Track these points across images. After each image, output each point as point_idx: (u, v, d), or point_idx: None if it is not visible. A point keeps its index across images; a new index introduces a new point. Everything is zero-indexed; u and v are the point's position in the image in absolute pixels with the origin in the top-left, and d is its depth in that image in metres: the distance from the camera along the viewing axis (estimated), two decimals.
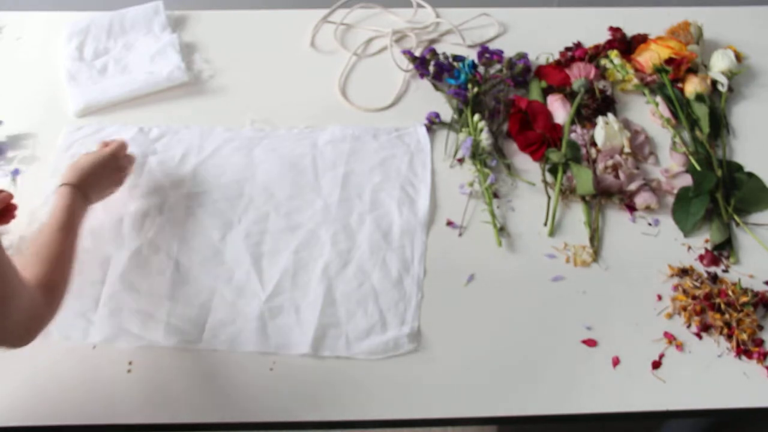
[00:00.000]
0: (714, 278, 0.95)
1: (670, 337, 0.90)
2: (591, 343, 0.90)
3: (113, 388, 0.86)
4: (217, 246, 0.98)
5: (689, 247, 1.00)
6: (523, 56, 1.21)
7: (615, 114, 1.14)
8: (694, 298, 0.93)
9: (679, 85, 1.18)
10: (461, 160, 1.10)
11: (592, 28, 1.29)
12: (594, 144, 1.10)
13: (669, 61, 1.18)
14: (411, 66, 1.22)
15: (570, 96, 1.16)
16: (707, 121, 1.12)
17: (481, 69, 1.19)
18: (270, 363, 0.88)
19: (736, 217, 1.02)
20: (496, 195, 1.05)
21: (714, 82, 1.19)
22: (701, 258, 0.98)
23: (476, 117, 1.10)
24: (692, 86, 1.16)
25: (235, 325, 0.91)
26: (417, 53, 1.24)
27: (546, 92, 1.18)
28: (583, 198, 1.04)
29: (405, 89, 1.21)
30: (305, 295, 0.93)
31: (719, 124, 1.14)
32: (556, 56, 1.24)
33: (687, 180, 1.04)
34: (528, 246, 1.00)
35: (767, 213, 1.04)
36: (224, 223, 1.00)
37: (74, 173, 0.92)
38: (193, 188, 1.05)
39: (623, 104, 1.18)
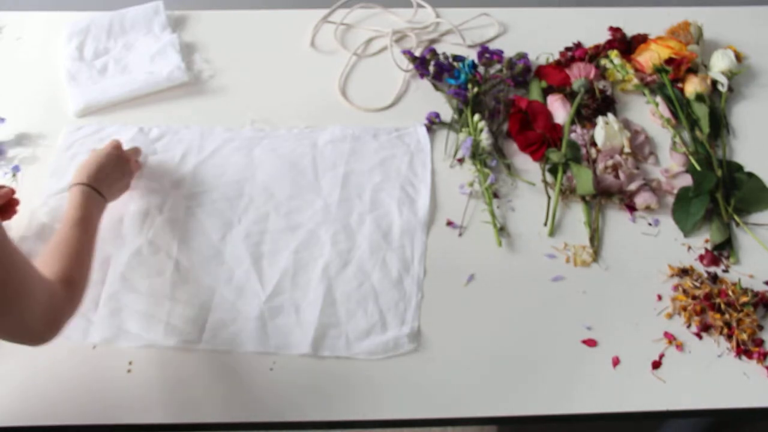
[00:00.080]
0: (714, 278, 0.95)
1: (670, 337, 0.90)
2: (591, 343, 0.90)
3: (113, 388, 0.86)
4: (217, 246, 0.98)
5: (689, 247, 1.00)
6: (523, 56, 1.21)
7: (615, 114, 1.14)
8: (694, 298, 0.93)
9: (679, 85, 1.18)
10: (461, 160, 1.10)
11: (592, 28, 1.29)
12: (594, 144, 1.10)
13: (669, 61, 1.18)
14: (411, 66, 1.22)
15: (570, 96, 1.16)
16: (707, 121, 1.12)
17: (481, 69, 1.19)
18: (270, 363, 0.88)
19: (736, 217, 1.02)
20: (496, 195, 1.05)
21: (714, 82, 1.19)
22: (701, 258, 0.98)
23: (476, 117, 1.10)
24: (692, 86, 1.16)
25: (235, 325, 0.91)
26: (417, 53, 1.24)
27: (546, 92, 1.18)
28: (583, 198, 1.04)
29: (405, 89, 1.21)
30: (305, 295, 0.93)
31: (719, 124, 1.14)
32: (556, 56, 1.24)
33: (687, 180, 1.04)
34: (528, 246, 1.00)
35: (767, 213, 1.04)
36: (224, 223, 1.00)
37: (81, 172, 0.93)
38: (193, 188, 1.05)
39: (623, 104, 1.19)
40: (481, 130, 1.09)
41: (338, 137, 1.12)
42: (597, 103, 1.14)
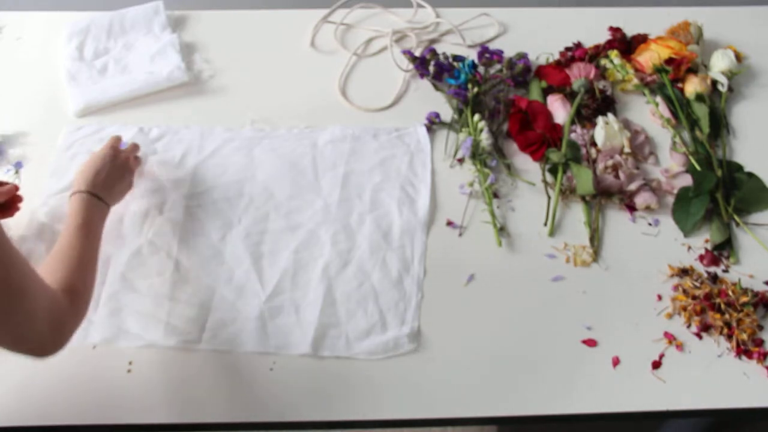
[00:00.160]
0: (714, 278, 0.95)
1: (670, 337, 0.90)
2: (591, 343, 0.90)
3: (113, 388, 0.86)
4: (217, 246, 0.98)
5: (689, 247, 1.00)
6: (523, 56, 1.21)
7: (615, 114, 1.14)
8: (694, 298, 0.93)
9: (679, 85, 1.18)
10: (461, 160, 1.10)
11: (592, 28, 1.29)
12: (594, 144, 1.10)
13: (669, 61, 1.18)
14: (411, 66, 1.22)
15: (570, 96, 1.16)
16: (707, 121, 1.12)
17: (481, 69, 1.19)
18: (270, 363, 0.88)
19: (736, 217, 1.02)
20: (496, 195, 1.05)
21: (714, 82, 1.19)
22: (701, 258, 0.98)
23: (476, 117, 1.10)
24: (692, 86, 1.16)
25: (235, 325, 0.91)
26: (417, 53, 1.24)
27: (546, 92, 1.18)
28: (583, 198, 1.04)
29: (405, 89, 1.21)
30: (305, 295, 0.93)
31: (719, 124, 1.14)
32: (556, 56, 1.24)
33: (687, 180, 1.04)
34: (528, 246, 1.00)
35: (767, 213, 1.04)
36: (224, 223, 1.00)
37: (80, 179, 0.92)
38: (193, 188, 1.04)
39: (623, 104, 1.18)
40: (481, 130, 1.09)
41: (338, 137, 1.12)
42: (597, 103, 1.14)
